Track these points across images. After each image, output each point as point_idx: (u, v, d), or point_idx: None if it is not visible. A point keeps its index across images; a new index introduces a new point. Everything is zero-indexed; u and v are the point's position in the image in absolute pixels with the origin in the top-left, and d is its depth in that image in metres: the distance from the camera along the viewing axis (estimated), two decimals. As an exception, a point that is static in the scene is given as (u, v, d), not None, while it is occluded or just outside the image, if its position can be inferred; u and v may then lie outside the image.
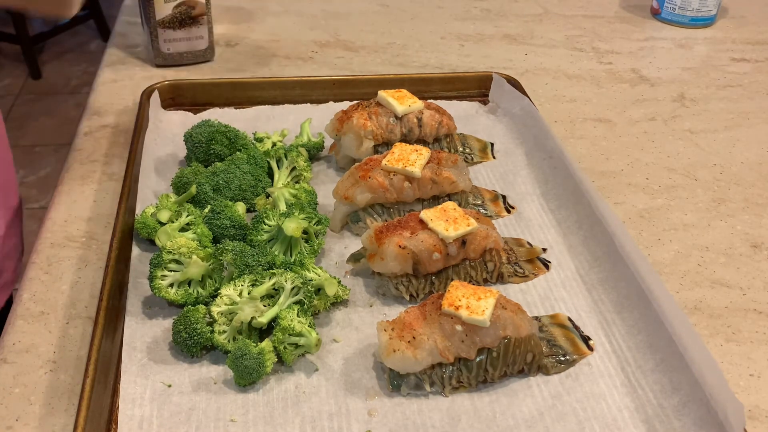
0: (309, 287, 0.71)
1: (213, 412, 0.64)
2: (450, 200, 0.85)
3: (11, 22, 3.25)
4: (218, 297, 0.71)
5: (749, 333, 0.76)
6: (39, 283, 0.78)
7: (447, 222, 0.76)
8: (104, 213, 0.87)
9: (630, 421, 0.65)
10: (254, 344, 0.66)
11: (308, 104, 1.08)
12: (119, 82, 1.16)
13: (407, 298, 0.76)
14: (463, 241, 0.76)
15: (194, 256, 0.73)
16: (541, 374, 0.69)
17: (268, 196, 0.87)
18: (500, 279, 0.79)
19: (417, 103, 0.94)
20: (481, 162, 0.98)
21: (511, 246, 0.82)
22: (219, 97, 1.07)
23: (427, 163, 0.85)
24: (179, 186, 0.86)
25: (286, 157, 0.90)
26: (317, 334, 0.69)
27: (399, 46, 1.31)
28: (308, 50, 1.29)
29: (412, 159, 0.84)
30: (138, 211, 0.83)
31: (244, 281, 0.71)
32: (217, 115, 1.04)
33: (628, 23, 1.44)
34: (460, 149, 0.97)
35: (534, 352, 0.68)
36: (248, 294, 0.70)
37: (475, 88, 1.12)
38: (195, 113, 1.04)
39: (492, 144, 1.01)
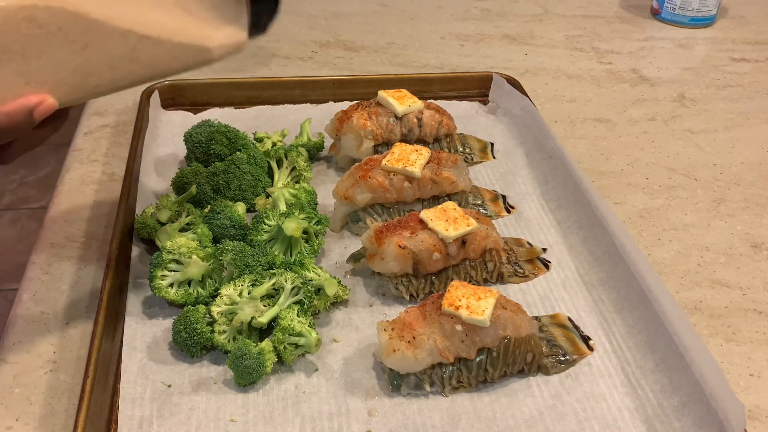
0: (309, 287, 0.71)
1: (213, 412, 0.64)
2: (450, 200, 0.85)
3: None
4: (218, 297, 0.71)
5: (749, 333, 0.76)
6: (39, 283, 0.78)
7: (447, 222, 0.76)
8: (104, 213, 0.87)
9: (630, 421, 0.65)
10: (254, 344, 0.66)
11: (308, 104, 1.08)
12: (119, 82, 1.16)
13: (407, 298, 0.76)
14: (463, 241, 0.76)
15: (194, 256, 0.73)
16: (541, 374, 0.69)
17: (268, 196, 0.87)
18: (500, 279, 0.79)
19: (417, 103, 0.94)
20: (481, 162, 0.98)
21: (511, 246, 0.82)
22: (219, 97, 1.07)
23: (427, 163, 0.85)
24: (179, 186, 0.86)
25: (286, 157, 0.90)
26: (317, 334, 0.69)
27: (399, 46, 1.31)
28: (308, 50, 1.29)
29: (412, 159, 0.84)
30: (138, 211, 0.83)
31: (244, 281, 0.71)
32: (217, 115, 1.04)
33: (628, 23, 1.44)
34: (460, 149, 0.97)
35: (534, 352, 0.68)
36: (248, 294, 0.70)
37: (475, 88, 1.12)
38: (195, 113, 1.04)
39: (492, 144, 1.01)
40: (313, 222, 0.78)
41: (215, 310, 0.70)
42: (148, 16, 0.59)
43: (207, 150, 0.90)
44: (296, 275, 0.72)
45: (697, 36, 1.39)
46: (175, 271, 0.73)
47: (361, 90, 1.07)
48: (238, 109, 1.06)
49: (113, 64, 0.59)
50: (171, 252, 0.73)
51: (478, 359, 0.67)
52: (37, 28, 0.54)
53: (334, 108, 1.05)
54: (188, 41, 0.62)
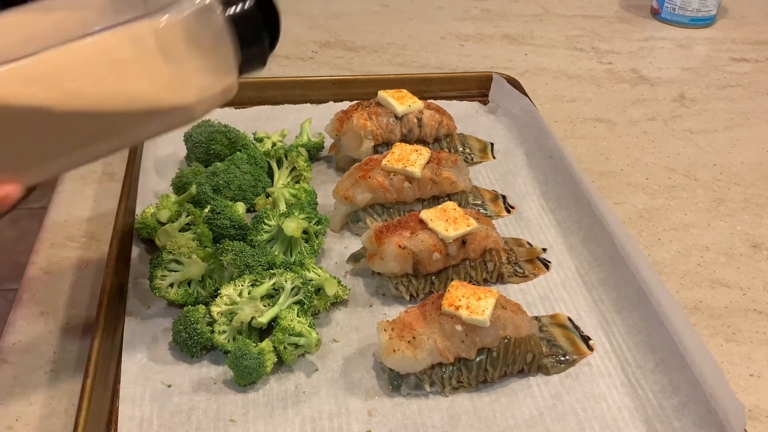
0: (309, 287, 0.71)
1: (213, 412, 0.64)
2: (450, 200, 0.85)
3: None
4: (218, 297, 0.71)
5: (749, 333, 0.76)
6: (39, 283, 0.78)
7: (447, 222, 0.76)
8: (104, 213, 0.87)
9: (630, 421, 0.65)
10: (254, 344, 0.66)
11: (308, 104, 1.08)
12: (119, 82, 1.16)
13: (407, 298, 0.76)
14: (463, 241, 0.76)
15: (194, 256, 0.73)
16: (541, 374, 0.69)
17: (268, 196, 0.87)
18: (500, 279, 0.79)
19: (417, 103, 0.94)
20: (481, 162, 0.98)
21: (511, 246, 0.82)
22: (219, 97, 1.07)
23: (427, 163, 0.85)
24: (179, 186, 0.86)
25: (286, 157, 0.90)
26: (317, 334, 0.69)
27: (399, 46, 1.31)
28: (308, 50, 1.29)
29: (412, 159, 0.84)
30: (138, 211, 0.83)
31: (244, 281, 0.71)
32: (217, 115, 1.03)
33: (628, 23, 1.44)
34: (460, 149, 0.97)
35: (534, 352, 0.68)
36: (248, 294, 0.70)
37: (475, 88, 1.12)
38: (195, 113, 1.04)
39: (492, 144, 1.01)
40: (313, 222, 0.78)
41: (215, 310, 0.70)
42: (120, 87, 0.52)
43: (207, 150, 0.90)
44: (296, 275, 0.72)
45: (697, 36, 1.39)
46: (175, 271, 0.73)
47: (361, 90, 1.07)
48: (238, 109, 1.06)
49: (83, 142, 0.53)
50: (171, 252, 0.73)
51: (478, 359, 0.67)
52: None
53: (334, 108, 1.05)
54: (168, 105, 0.54)
